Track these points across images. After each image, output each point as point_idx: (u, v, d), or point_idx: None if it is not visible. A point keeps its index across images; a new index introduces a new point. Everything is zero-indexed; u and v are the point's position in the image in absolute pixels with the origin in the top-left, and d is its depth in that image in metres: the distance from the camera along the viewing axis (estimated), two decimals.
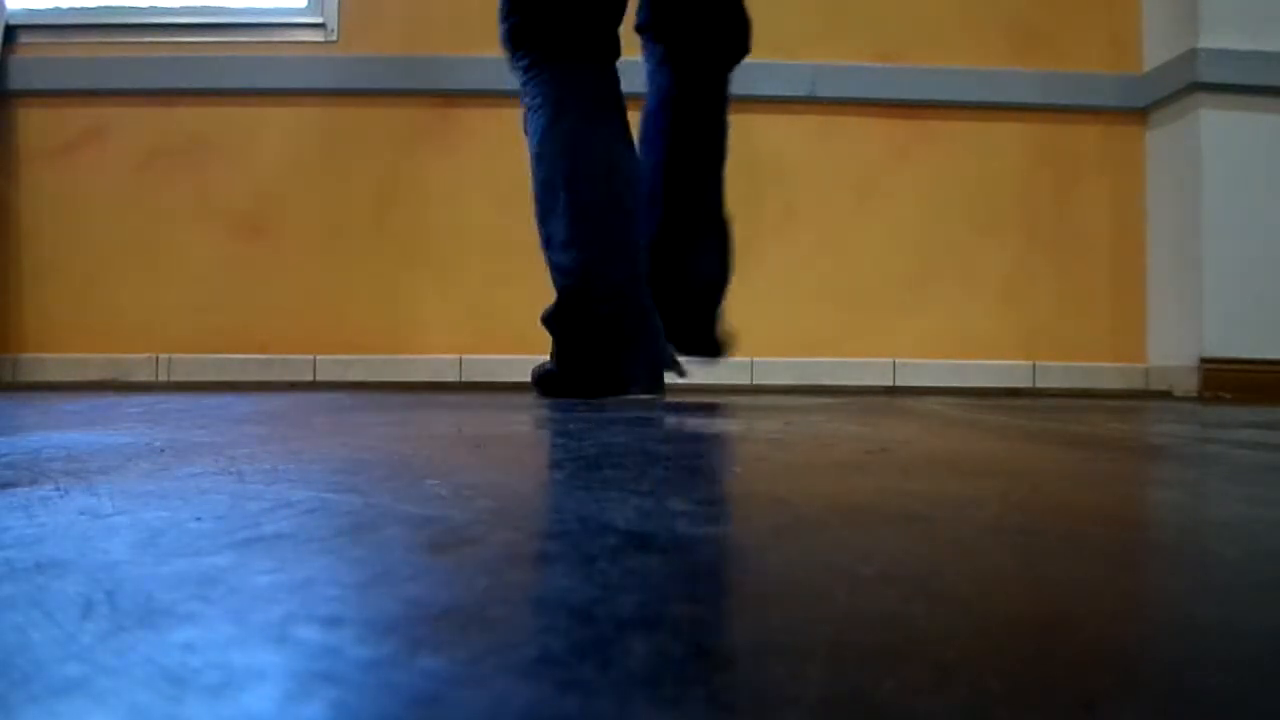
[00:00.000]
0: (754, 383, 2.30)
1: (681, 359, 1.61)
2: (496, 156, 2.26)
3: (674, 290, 1.57)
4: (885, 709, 0.19)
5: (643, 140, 1.63)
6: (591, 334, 1.44)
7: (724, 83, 1.69)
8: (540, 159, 1.45)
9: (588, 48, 1.48)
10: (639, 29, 1.64)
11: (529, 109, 1.49)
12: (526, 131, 1.49)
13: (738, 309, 2.37)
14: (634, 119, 1.62)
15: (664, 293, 1.54)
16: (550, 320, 1.49)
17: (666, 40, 1.63)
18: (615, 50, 1.52)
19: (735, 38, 1.66)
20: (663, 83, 1.64)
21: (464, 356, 2.28)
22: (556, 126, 1.44)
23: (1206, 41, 2.13)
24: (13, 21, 2.31)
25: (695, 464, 0.66)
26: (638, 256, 1.47)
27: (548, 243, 1.47)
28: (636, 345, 1.45)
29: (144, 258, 2.30)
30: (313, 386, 2.17)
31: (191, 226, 2.31)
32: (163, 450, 0.67)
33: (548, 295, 1.52)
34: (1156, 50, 2.31)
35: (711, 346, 1.66)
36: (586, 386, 1.47)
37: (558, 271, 1.46)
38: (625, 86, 1.53)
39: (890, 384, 2.32)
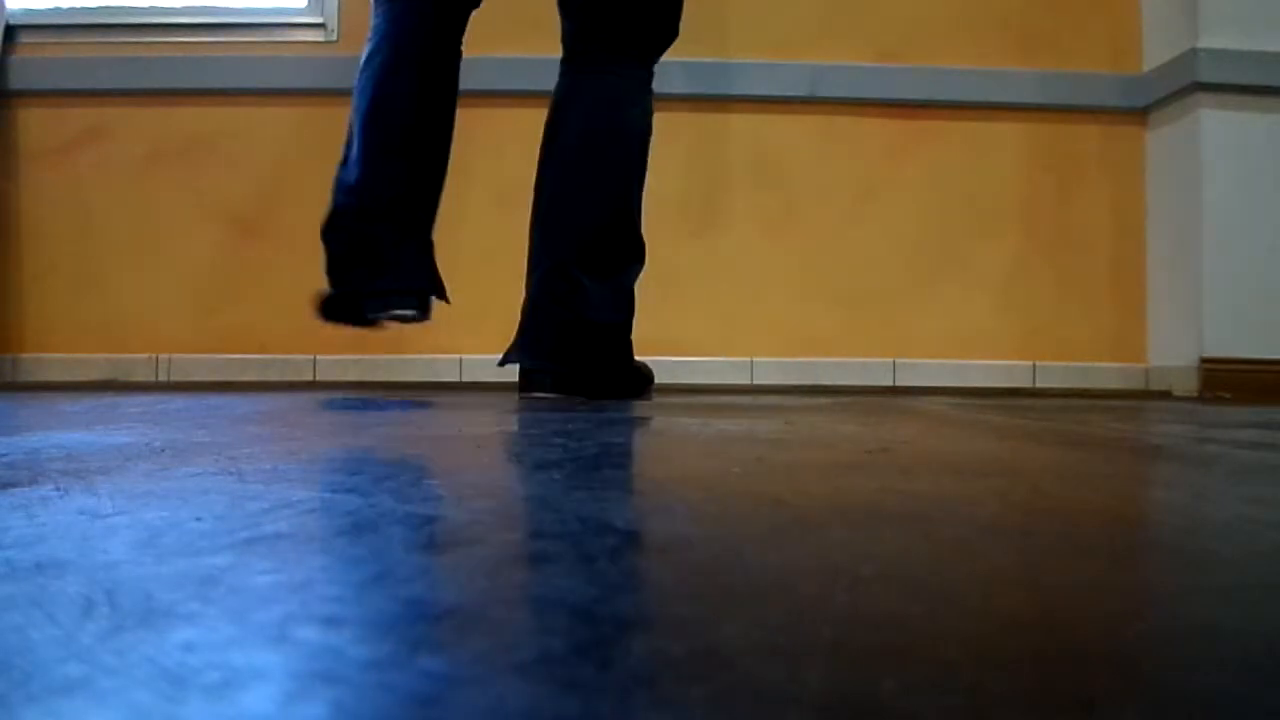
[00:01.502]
0: (754, 383, 2.30)
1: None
2: (496, 156, 2.26)
3: (571, 330, 1.48)
4: (885, 709, 0.19)
5: (542, 158, 1.55)
6: (357, 249, 1.53)
7: (644, 80, 1.56)
8: (355, 89, 1.58)
9: None
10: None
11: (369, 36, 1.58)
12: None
13: (738, 309, 2.37)
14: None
15: (554, 338, 1.48)
16: (323, 233, 1.57)
17: (575, 17, 1.53)
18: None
19: (662, 18, 1.53)
20: (565, 87, 1.56)
21: (464, 356, 2.28)
22: (369, 63, 1.55)
23: (1206, 41, 2.13)
24: (13, 21, 2.31)
25: (694, 464, 0.66)
26: (413, 188, 1.54)
27: (342, 162, 1.59)
28: (400, 266, 1.52)
29: (144, 258, 2.30)
30: (313, 386, 2.17)
31: (191, 226, 2.31)
32: (163, 450, 0.67)
33: None
34: (1156, 50, 2.31)
35: (626, 386, 1.54)
36: (352, 304, 1.56)
37: (338, 188, 1.56)
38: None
39: (890, 384, 2.32)
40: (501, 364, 1.58)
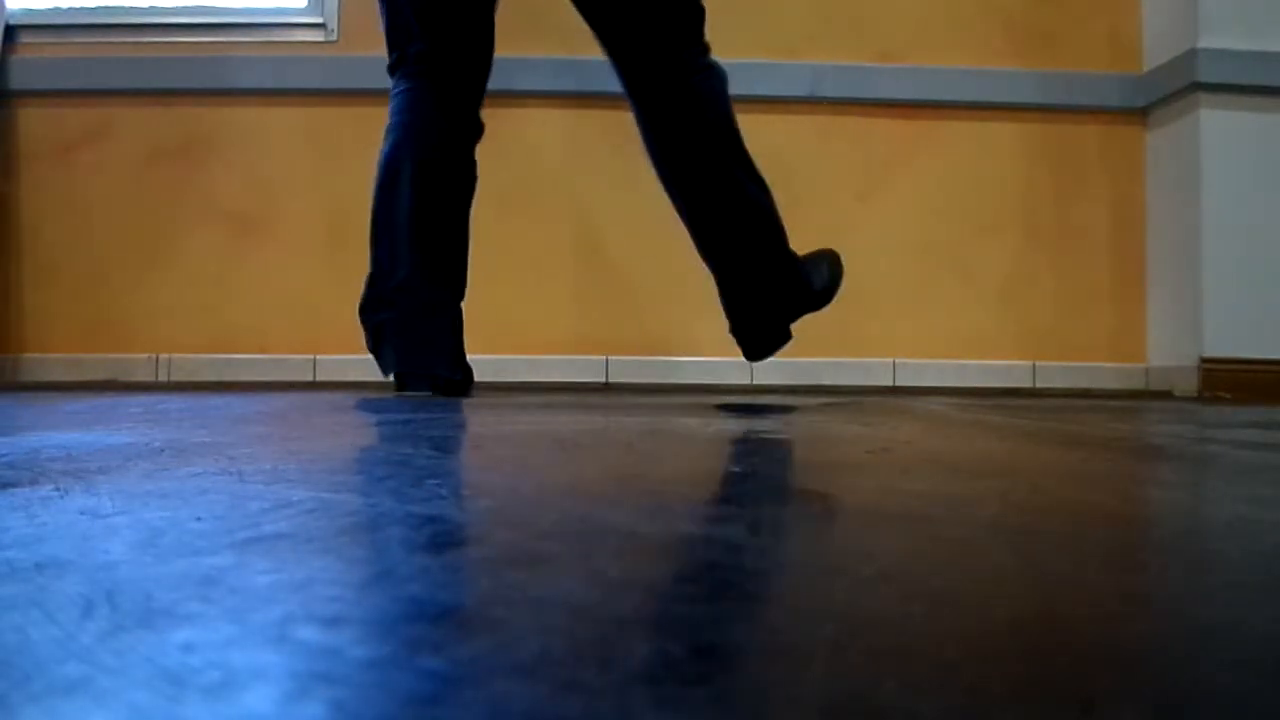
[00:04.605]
0: (754, 383, 2.30)
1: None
2: (496, 156, 2.25)
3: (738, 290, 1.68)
4: (886, 709, 0.19)
5: (660, 166, 1.64)
6: (373, 334, 1.64)
7: (698, 56, 1.59)
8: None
9: (422, 67, 1.59)
10: None
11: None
12: None
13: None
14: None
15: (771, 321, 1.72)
16: (359, 312, 1.67)
17: (597, 26, 1.56)
18: (454, 68, 1.60)
19: (668, 12, 1.55)
20: (638, 105, 1.60)
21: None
22: (380, 164, 1.61)
23: (1206, 41, 2.13)
24: (13, 21, 2.31)
25: (694, 464, 0.66)
26: (416, 271, 1.60)
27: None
28: (412, 351, 1.61)
29: (144, 258, 2.30)
30: (313, 386, 2.17)
31: (192, 226, 2.31)
32: (163, 450, 0.67)
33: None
34: (1156, 50, 2.31)
35: (769, 340, 1.74)
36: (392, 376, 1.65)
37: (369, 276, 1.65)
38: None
39: (890, 384, 2.32)
40: (756, 355, 1.78)
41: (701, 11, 1.59)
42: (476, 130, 1.66)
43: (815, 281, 1.74)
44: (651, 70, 1.56)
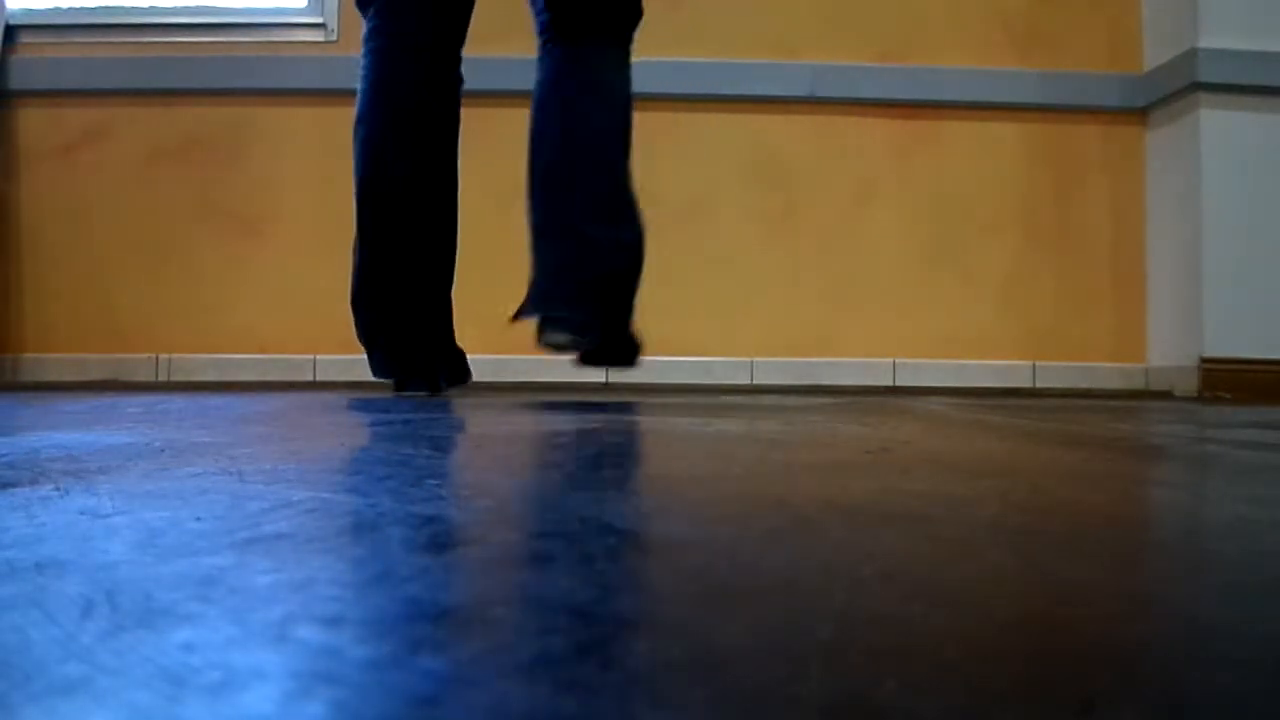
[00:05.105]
0: (754, 383, 2.30)
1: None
2: (497, 156, 2.25)
3: (580, 286, 1.52)
4: (885, 709, 0.19)
5: (537, 136, 1.57)
6: (372, 330, 1.59)
7: (621, 58, 1.59)
8: (354, 153, 1.60)
9: (421, 24, 1.54)
10: (532, 2, 1.60)
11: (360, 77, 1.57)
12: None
13: (738, 309, 2.37)
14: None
15: (570, 287, 1.51)
16: (351, 303, 1.60)
17: (549, 8, 1.56)
18: (453, 30, 1.56)
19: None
20: (549, 69, 1.58)
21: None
22: (357, 130, 1.57)
23: (1206, 41, 2.13)
24: (13, 21, 2.31)
25: (694, 464, 0.66)
26: (414, 270, 1.55)
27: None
28: (405, 351, 1.57)
29: (144, 258, 2.30)
30: (313, 386, 2.17)
31: (191, 226, 2.31)
32: (163, 450, 0.67)
33: None
34: (1156, 50, 2.31)
35: (623, 350, 1.58)
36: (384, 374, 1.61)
37: (353, 264, 1.59)
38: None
39: (890, 384, 2.32)
40: (515, 319, 1.59)
41: (639, 16, 1.60)
42: (454, 81, 1.61)
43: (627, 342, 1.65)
44: (591, 47, 1.56)
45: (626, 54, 1.60)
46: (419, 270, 1.56)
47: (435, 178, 1.57)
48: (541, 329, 1.54)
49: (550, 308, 1.52)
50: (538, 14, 1.59)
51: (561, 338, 1.52)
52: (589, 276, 1.50)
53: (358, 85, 1.57)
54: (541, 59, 1.60)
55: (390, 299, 1.55)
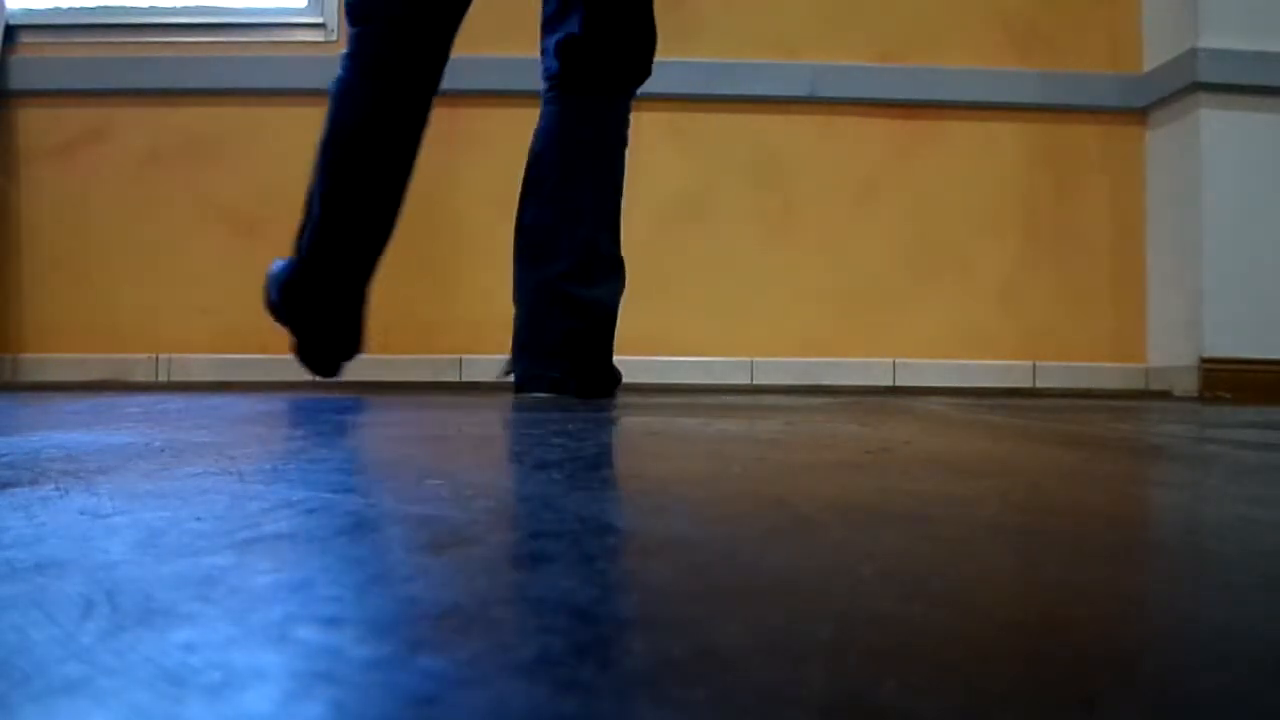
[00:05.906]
0: (754, 383, 2.30)
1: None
2: (497, 156, 2.25)
3: (573, 330, 1.55)
4: (885, 709, 0.19)
5: (531, 184, 1.59)
6: (304, 315, 1.68)
7: (623, 112, 1.62)
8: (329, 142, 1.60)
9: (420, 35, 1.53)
10: (543, 51, 1.60)
11: (342, 64, 1.55)
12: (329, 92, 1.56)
13: (739, 309, 2.37)
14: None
15: (547, 344, 1.55)
16: (286, 288, 1.67)
17: (565, 56, 1.56)
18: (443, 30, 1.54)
19: (641, 54, 1.59)
20: (553, 118, 1.59)
21: (464, 356, 2.28)
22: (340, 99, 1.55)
23: (1206, 41, 2.13)
24: (13, 21, 2.31)
25: (695, 464, 0.66)
26: (367, 262, 1.61)
27: (307, 210, 1.66)
28: (331, 338, 1.66)
29: (144, 258, 2.30)
30: (313, 387, 2.17)
31: (192, 226, 2.31)
32: (163, 450, 0.67)
33: None
34: (1156, 50, 2.31)
35: (601, 385, 1.60)
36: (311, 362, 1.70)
37: (304, 247, 1.64)
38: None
39: (890, 384, 2.32)
40: (502, 375, 1.64)
41: (647, 75, 1.63)
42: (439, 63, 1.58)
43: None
44: (596, 99, 1.59)
45: (628, 105, 1.63)
46: (373, 243, 1.61)
47: (407, 137, 1.58)
48: (520, 385, 1.60)
49: (529, 366, 1.58)
50: (546, 61, 1.61)
51: (541, 394, 1.56)
52: (561, 335, 1.55)
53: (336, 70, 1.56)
54: (545, 105, 1.62)
55: (321, 295, 1.62)
